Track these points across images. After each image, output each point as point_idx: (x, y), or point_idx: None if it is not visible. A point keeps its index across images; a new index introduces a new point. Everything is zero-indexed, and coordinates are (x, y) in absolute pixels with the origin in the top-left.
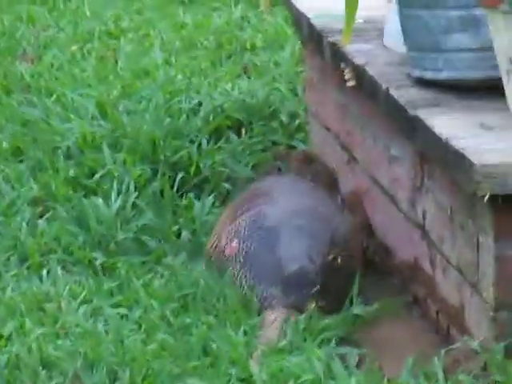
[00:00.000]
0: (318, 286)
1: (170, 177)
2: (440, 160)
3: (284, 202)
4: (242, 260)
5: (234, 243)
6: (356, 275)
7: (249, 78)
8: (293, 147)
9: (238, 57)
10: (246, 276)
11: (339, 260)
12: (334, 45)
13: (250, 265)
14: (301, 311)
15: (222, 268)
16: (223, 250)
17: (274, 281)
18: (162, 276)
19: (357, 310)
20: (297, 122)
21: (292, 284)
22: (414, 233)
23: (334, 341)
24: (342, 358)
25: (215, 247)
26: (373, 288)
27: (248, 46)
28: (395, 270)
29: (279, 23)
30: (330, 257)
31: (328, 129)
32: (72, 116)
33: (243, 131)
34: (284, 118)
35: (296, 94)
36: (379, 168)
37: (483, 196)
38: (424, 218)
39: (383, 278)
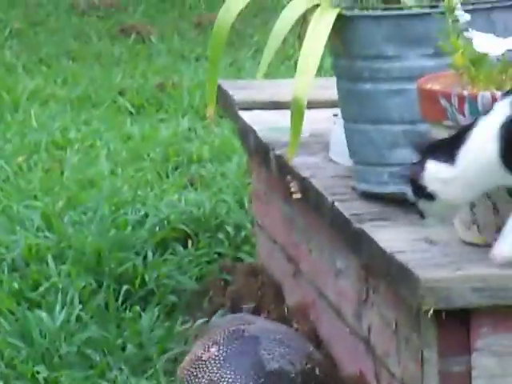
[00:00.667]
0: None
1: (114, 289)
2: (385, 274)
3: (260, 322)
4: (221, 362)
5: (213, 349)
6: None
7: (195, 189)
8: (239, 259)
9: (184, 168)
10: (224, 375)
11: (317, 371)
12: (279, 158)
13: (230, 364)
14: None
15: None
16: (200, 357)
17: (254, 377)
18: None
19: None
20: (243, 233)
21: (272, 381)
22: (359, 346)
23: None
24: None
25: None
26: None
27: (195, 158)
28: (341, 383)
29: (226, 135)
30: (309, 366)
31: (274, 241)
32: (17, 228)
33: (189, 243)
34: (230, 229)
35: (242, 206)
36: (325, 281)
37: (427, 311)
38: (369, 331)
39: None
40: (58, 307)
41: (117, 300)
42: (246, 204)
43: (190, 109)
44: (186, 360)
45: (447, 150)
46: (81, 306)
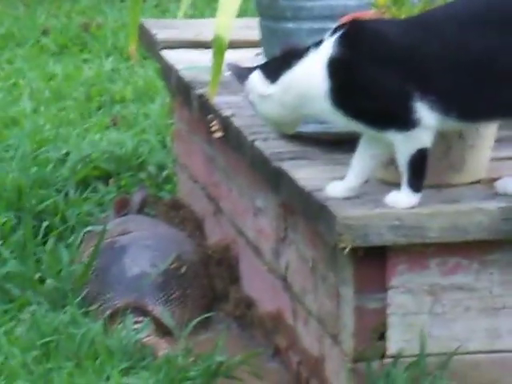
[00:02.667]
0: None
1: (35, 225)
2: (303, 212)
3: (136, 231)
4: (94, 275)
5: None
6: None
7: (118, 129)
8: (160, 198)
9: (107, 108)
10: (95, 287)
11: (183, 269)
12: (201, 97)
13: (97, 276)
14: (143, 310)
15: None
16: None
17: (118, 284)
18: (24, 324)
19: (220, 358)
20: (165, 173)
21: (134, 285)
22: (276, 284)
23: None
24: None
25: None
26: (236, 340)
27: (118, 98)
28: (259, 321)
29: (150, 76)
30: (174, 265)
31: (195, 180)
32: None
33: (111, 182)
34: (152, 168)
35: (165, 146)
36: (245, 219)
37: (344, 248)
38: (287, 269)
39: (247, 329)
40: None
41: (37, 236)
42: (169, 144)
43: (113, 50)
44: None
45: (273, 67)
46: (0, 242)
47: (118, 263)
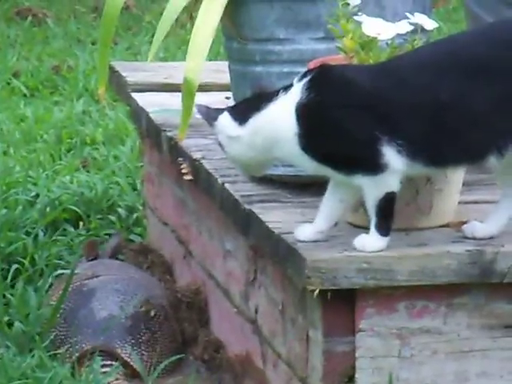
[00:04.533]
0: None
1: (3, 268)
2: (272, 255)
3: (105, 275)
4: (62, 321)
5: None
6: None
7: (88, 171)
8: (131, 241)
9: (77, 151)
10: (64, 331)
11: (152, 313)
12: (171, 139)
13: (66, 320)
14: (111, 354)
15: None
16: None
17: (86, 328)
18: None
19: None
20: (135, 215)
21: (102, 328)
22: (246, 327)
23: None
24: None
25: None
26: (206, 381)
27: (88, 141)
28: (227, 364)
29: (120, 118)
30: (142, 308)
31: (166, 223)
32: None
33: (80, 224)
34: (122, 211)
35: (135, 189)
36: (214, 263)
37: (313, 291)
38: (256, 312)
39: (215, 372)
40: None
41: (6, 279)
42: (139, 187)
43: (84, 92)
44: None
45: (242, 109)
46: None
47: (86, 306)
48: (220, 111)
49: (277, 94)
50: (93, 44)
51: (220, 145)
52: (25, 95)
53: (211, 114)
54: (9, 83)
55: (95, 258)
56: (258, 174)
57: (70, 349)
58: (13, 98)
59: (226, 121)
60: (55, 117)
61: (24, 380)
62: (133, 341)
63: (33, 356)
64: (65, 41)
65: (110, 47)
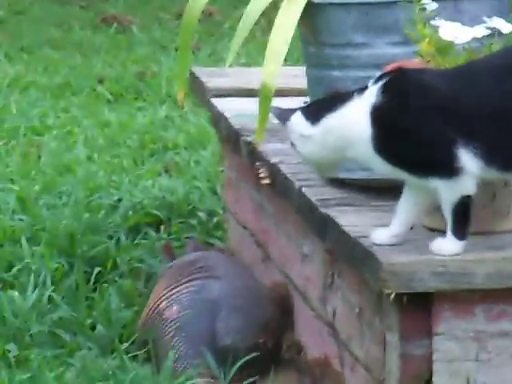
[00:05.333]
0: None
1: (86, 271)
2: (349, 258)
3: (224, 278)
4: (179, 324)
5: (175, 308)
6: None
7: (170, 176)
8: (211, 245)
9: (160, 155)
10: (179, 340)
11: (269, 345)
12: (249, 144)
13: (187, 331)
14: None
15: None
16: (162, 313)
17: (205, 350)
18: (74, 369)
19: None
20: (215, 219)
21: (221, 357)
22: (324, 331)
23: None
24: None
25: (153, 311)
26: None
27: (170, 145)
28: (307, 367)
29: (202, 123)
30: (261, 340)
31: (245, 227)
32: None
33: (162, 228)
34: (202, 215)
35: (215, 193)
36: (292, 266)
37: (389, 294)
38: (334, 316)
39: (296, 375)
40: (30, 288)
41: (88, 282)
42: (219, 191)
43: (167, 98)
44: (149, 305)
45: (315, 109)
46: (53, 287)
47: (209, 325)
48: (293, 111)
49: (351, 96)
50: (176, 50)
51: (292, 144)
52: (109, 101)
53: (284, 114)
54: (94, 89)
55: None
56: (331, 174)
57: (183, 365)
58: (97, 104)
59: (298, 120)
60: (138, 122)
61: (105, 381)
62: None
63: (114, 358)
64: (149, 47)
65: (189, 52)
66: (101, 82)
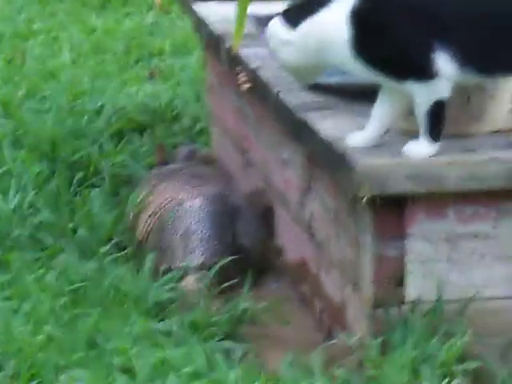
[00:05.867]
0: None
1: (68, 176)
2: (325, 162)
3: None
4: (201, 217)
5: (198, 200)
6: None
7: (154, 82)
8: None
9: (145, 62)
10: (203, 226)
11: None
12: (229, 49)
13: (208, 227)
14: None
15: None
16: (182, 201)
17: (223, 248)
18: (54, 271)
19: (244, 304)
20: (199, 125)
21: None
22: (302, 234)
23: (218, 336)
24: (227, 352)
25: (169, 202)
26: (264, 286)
27: (156, 52)
28: (286, 269)
29: (188, 30)
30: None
31: (227, 132)
32: None
33: (145, 134)
34: (186, 121)
35: (199, 99)
36: (273, 171)
37: (363, 197)
38: (311, 219)
39: (276, 276)
40: (11, 192)
41: (70, 186)
42: (204, 97)
43: (154, 4)
44: (163, 195)
45: (295, 14)
46: (34, 192)
47: (231, 226)
48: (272, 17)
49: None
50: None
51: (271, 50)
52: (96, 7)
53: (263, 20)
54: None
55: (165, 164)
56: (310, 81)
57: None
58: (84, 10)
59: (278, 25)
60: (125, 28)
61: (85, 283)
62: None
63: (94, 261)
64: None
65: None
66: None
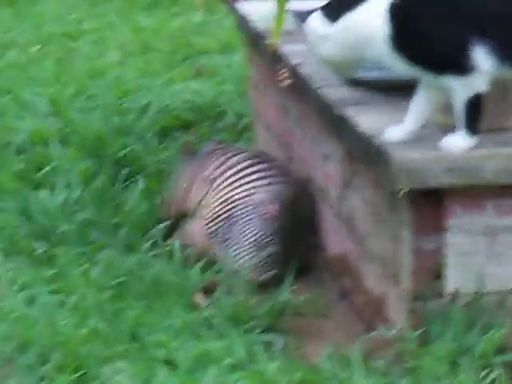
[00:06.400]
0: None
1: (114, 172)
2: (364, 157)
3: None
4: (280, 223)
5: (276, 207)
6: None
7: (200, 80)
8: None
9: (192, 60)
10: (277, 238)
11: None
12: (270, 46)
13: (284, 231)
14: None
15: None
16: (259, 205)
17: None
18: (99, 266)
19: (284, 297)
20: (243, 122)
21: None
22: (342, 228)
23: (259, 328)
24: (267, 345)
25: (240, 199)
26: (305, 280)
27: (203, 50)
28: (328, 263)
29: (234, 28)
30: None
31: (270, 128)
32: (26, 113)
33: (190, 131)
34: (231, 118)
35: (244, 96)
36: (314, 166)
37: (401, 191)
38: (352, 213)
39: (317, 270)
40: (59, 188)
41: (116, 183)
42: (248, 94)
43: (196, 3)
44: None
45: (333, 10)
46: (81, 188)
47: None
48: (311, 12)
49: None
50: None
51: (310, 45)
52: (144, 7)
53: (303, 16)
54: None
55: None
56: (349, 75)
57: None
58: (133, 10)
59: (317, 20)
60: (172, 27)
61: (128, 277)
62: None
63: (137, 255)
64: None
65: None
66: None
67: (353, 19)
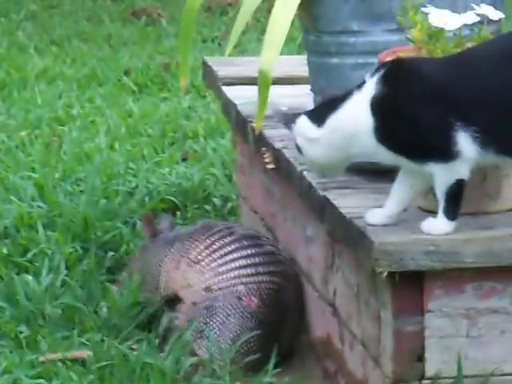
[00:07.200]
0: None
1: (101, 256)
2: (346, 239)
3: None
4: (260, 318)
5: (256, 301)
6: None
7: (187, 164)
8: None
9: (179, 144)
10: (258, 336)
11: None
12: (255, 130)
13: (264, 328)
14: None
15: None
16: (239, 297)
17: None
18: (83, 349)
19: (267, 381)
20: (229, 205)
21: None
22: (326, 310)
23: None
24: None
25: (220, 289)
26: (289, 362)
27: (190, 134)
28: (311, 346)
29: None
30: None
31: (255, 211)
32: (12, 197)
33: (178, 214)
34: (217, 201)
35: (230, 179)
36: (298, 248)
37: (381, 273)
38: (335, 295)
39: (301, 353)
40: (44, 272)
41: (102, 266)
42: (234, 177)
43: (191, 88)
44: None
45: (319, 112)
46: (66, 272)
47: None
48: (297, 115)
49: (351, 93)
50: (203, 42)
51: (298, 148)
52: (134, 92)
53: (289, 118)
54: (119, 80)
55: (155, 236)
56: (336, 176)
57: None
58: (122, 94)
59: (304, 123)
60: (161, 112)
61: (112, 361)
62: None
63: (120, 339)
64: (176, 39)
65: (190, 42)
66: (127, 73)
67: (338, 119)
